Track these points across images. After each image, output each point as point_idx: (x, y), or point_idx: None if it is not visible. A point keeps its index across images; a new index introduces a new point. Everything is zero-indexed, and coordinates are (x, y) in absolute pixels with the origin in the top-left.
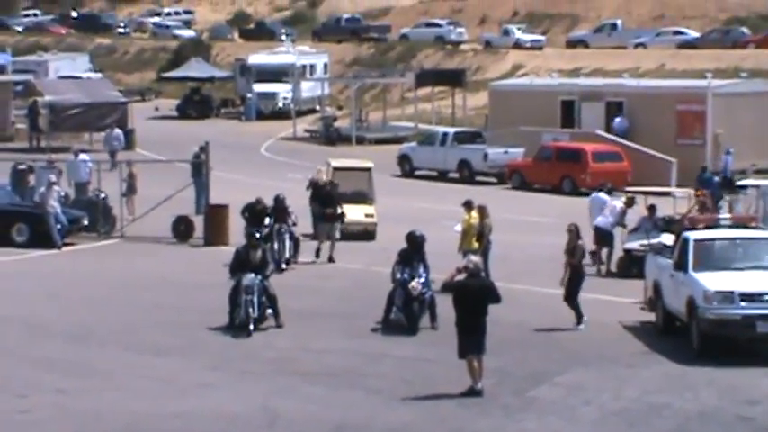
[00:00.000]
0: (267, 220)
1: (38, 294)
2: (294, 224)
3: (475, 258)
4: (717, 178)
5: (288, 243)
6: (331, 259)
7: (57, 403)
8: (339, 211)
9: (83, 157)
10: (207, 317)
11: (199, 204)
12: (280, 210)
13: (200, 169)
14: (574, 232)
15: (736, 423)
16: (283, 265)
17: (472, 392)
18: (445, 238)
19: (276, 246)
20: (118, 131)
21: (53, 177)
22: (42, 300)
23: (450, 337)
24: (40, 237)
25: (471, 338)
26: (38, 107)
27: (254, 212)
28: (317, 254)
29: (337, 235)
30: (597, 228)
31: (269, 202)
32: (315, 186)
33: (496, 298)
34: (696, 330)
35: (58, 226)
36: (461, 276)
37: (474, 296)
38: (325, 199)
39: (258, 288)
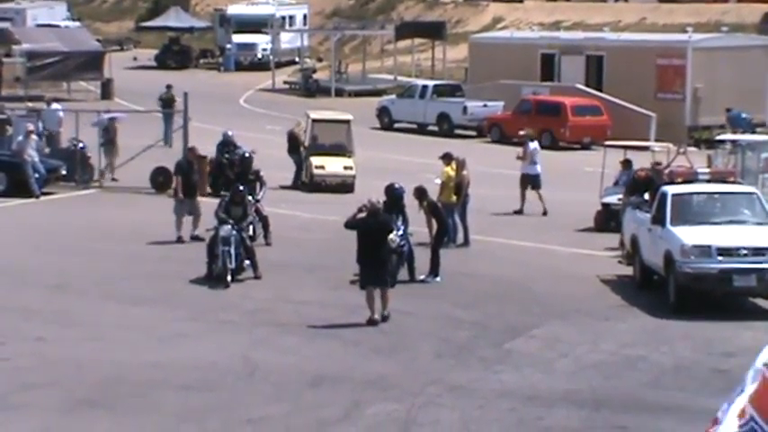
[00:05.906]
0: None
1: (16, 243)
2: (258, 199)
3: (372, 199)
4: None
5: (253, 222)
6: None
7: (36, 351)
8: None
9: (55, 105)
10: (185, 267)
11: (166, 137)
12: (247, 174)
13: (168, 106)
14: None
15: (712, 376)
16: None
17: (370, 322)
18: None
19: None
20: None
21: (31, 126)
22: (21, 249)
23: (429, 289)
24: (18, 186)
25: (371, 271)
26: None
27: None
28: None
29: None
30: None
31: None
32: (291, 138)
33: (389, 230)
34: (673, 284)
35: (36, 175)
36: (362, 215)
37: (372, 232)
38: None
39: (236, 240)
